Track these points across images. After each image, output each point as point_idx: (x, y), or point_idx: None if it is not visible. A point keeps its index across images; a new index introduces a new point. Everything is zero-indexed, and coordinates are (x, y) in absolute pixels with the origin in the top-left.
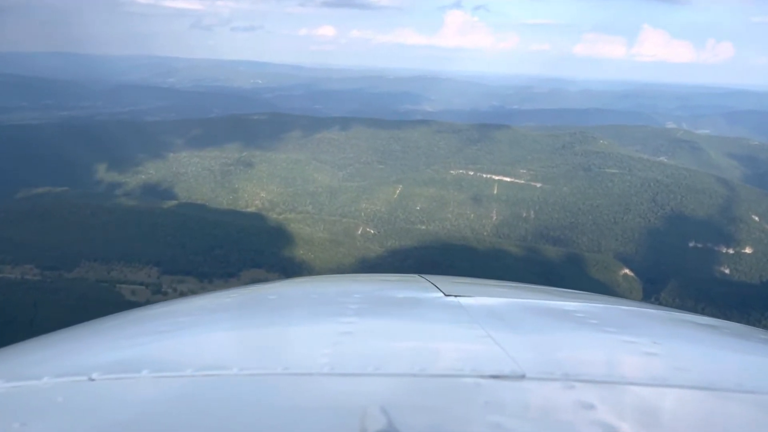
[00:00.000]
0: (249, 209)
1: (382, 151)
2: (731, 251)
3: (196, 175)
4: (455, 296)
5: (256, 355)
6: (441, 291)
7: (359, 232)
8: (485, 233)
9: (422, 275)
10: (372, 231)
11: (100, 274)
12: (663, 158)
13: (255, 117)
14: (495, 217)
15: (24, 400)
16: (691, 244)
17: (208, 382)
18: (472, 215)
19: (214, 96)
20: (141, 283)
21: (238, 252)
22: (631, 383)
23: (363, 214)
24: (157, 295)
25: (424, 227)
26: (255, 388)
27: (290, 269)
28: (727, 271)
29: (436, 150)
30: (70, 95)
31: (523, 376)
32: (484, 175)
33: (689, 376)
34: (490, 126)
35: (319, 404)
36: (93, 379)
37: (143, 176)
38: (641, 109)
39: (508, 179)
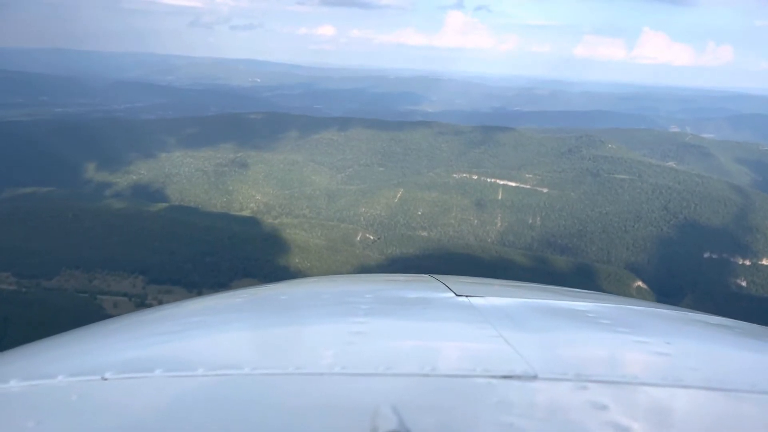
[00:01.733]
0: (243, 213)
1: (383, 152)
2: (748, 262)
3: (189, 175)
4: (466, 296)
5: (268, 355)
6: (452, 291)
7: (358, 238)
8: (489, 240)
9: (433, 275)
10: (371, 237)
11: (82, 283)
12: (672, 163)
13: (252, 116)
14: (500, 224)
15: (38, 399)
16: (706, 255)
17: (220, 381)
18: (476, 221)
19: (213, 94)
20: (124, 294)
21: (230, 260)
22: (644, 383)
23: (362, 218)
24: (140, 308)
25: (425, 233)
26: (267, 388)
27: (285, 279)
28: (744, 283)
29: (438, 152)
30: (66, 92)
31: (535, 377)
32: (488, 179)
33: (702, 376)
34: (493, 128)
35: (331, 404)
36: (106, 379)
37: (134, 176)
38: (643, 112)
39: (513, 184)
